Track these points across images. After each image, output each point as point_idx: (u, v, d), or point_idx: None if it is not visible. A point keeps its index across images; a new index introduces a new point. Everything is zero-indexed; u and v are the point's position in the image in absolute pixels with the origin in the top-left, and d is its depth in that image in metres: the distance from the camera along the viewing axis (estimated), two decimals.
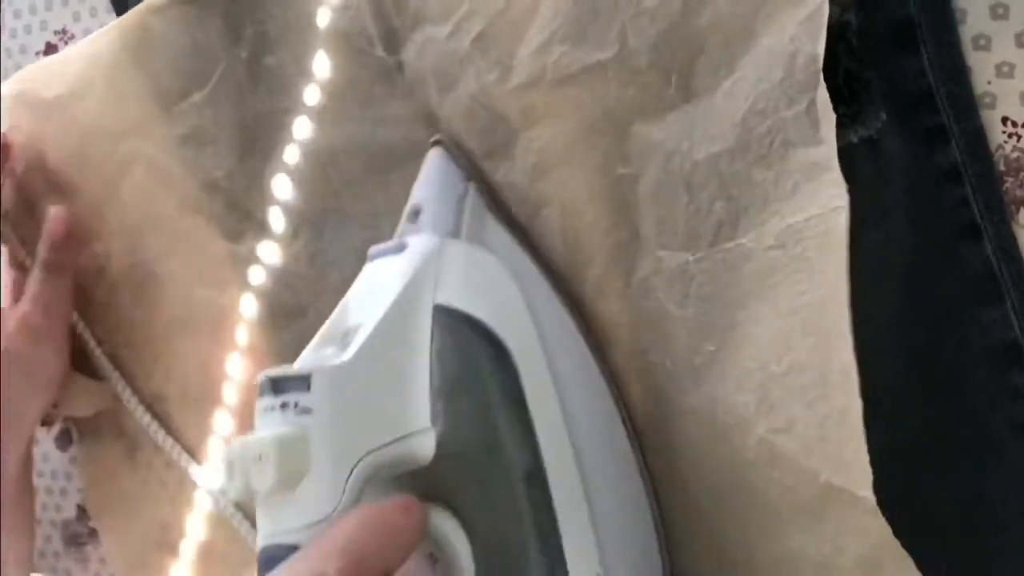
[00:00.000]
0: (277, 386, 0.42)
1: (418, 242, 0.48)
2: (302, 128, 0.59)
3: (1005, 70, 0.46)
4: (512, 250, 0.49)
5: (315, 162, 0.59)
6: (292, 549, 0.39)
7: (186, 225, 0.65)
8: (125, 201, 0.68)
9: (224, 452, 0.42)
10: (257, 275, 0.63)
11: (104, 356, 0.71)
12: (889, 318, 0.47)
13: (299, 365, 0.43)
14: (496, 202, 0.51)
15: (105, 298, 0.70)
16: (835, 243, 0.41)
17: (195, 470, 0.67)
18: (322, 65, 0.56)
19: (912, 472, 0.48)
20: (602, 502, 0.45)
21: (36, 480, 0.76)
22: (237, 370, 0.65)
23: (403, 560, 0.40)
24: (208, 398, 0.66)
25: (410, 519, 0.40)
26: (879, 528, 0.42)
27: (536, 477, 0.43)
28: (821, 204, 0.41)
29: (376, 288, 0.47)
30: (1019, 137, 0.46)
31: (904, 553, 0.42)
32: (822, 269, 0.42)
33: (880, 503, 0.42)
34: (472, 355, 0.45)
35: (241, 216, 0.63)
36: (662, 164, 0.46)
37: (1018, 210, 0.47)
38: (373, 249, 0.49)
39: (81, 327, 0.71)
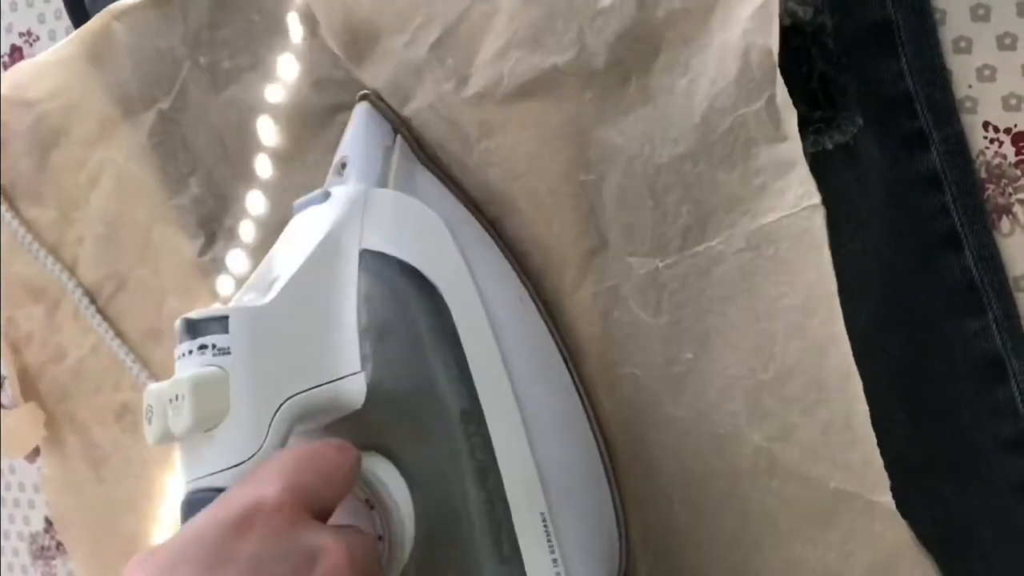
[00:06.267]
0: (194, 328, 0.41)
1: (343, 190, 0.47)
2: (268, 135, 0.58)
3: (987, 74, 0.44)
4: (443, 197, 0.49)
5: (284, 170, 0.58)
6: (216, 492, 0.38)
7: (156, 234, 0.64)
8: (95, 209, 0.67)
9: (144, 397, 0.41)
10: (226, 285, 0.62)
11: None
12: (867, 331, 0.46)
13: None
14: (427, 154, 0.50)
15: (73, 307, 0.69)
16: (814, 243, 0.40)
17: None
18: (288, 70, 0.55)
19: (893, 492, 0.46)
20: (545, 443, 0.44)
21: (4, 493, 0.75)
22: None
23: (339, 498, 0.39)
24: None
25: (344, 456, 0.39)
26: (896, 533, 0.41)
27: (472, 415, 0.42)
28: (792, 203, 0.40)
29: (301, 237, 0.46)
30: (1001, 143, 0.45)
31: (925, 557, 0.41)
32: (801, 270, 0.41)
33: None
34: (401, 297, 0.44)
35: (211, 224, 0.62)
36: (625, 169, 0.45)
37: (1000, 218, 0.45)
38: (298, 201, 0.48)
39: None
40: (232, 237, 0.61)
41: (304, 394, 0.41)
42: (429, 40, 0.48)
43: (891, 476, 0.46)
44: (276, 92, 0.56)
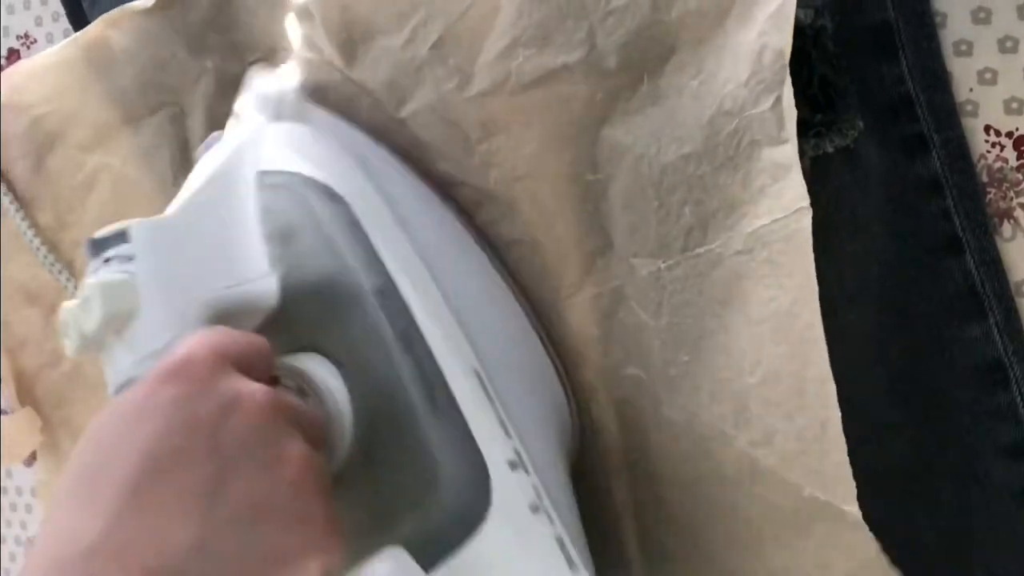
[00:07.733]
0: (97, 246, 0.43)
1: (237, 127, 0.51)
2: None
3: (988, 77, 0.44)
4: (333, 123, 0.51)
5: None
6: None
7: None
8: (91, 213, 0.66)
9: (59, 316, 0.42)
10: None
11: None
12: (867, 335, 0.45)
13: None
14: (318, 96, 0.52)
15: None
16: (800, 246, 0.40)
17: None
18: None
19: (893, 498, 0.46)
20: (468, 309, 0.45)
21: (2, 498, 0.75)
22: None
23: (259, 370, 0.39)
24: None
25: (254, 336, 0.41)
26: (865, 544, 0.40)
27: (387, 291, 0.43)
28: (786, 206, 0.40)
29: (199, 171, 0.50)
30: (1002, 147, 0.44)
31: (891, 571, 0.40)
32: (789, 273, 0.40)
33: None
34: (300, 202, 0.46)
35: None
36: (631, 169, 0.44)
37: (1001, 223, 0.45)
38: (199, 150, 0.52)
39: None
40: None
41: (215, 296, 0.43)
42: (430, 39, 0.48)
43: (890, 481, 0.46)
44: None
